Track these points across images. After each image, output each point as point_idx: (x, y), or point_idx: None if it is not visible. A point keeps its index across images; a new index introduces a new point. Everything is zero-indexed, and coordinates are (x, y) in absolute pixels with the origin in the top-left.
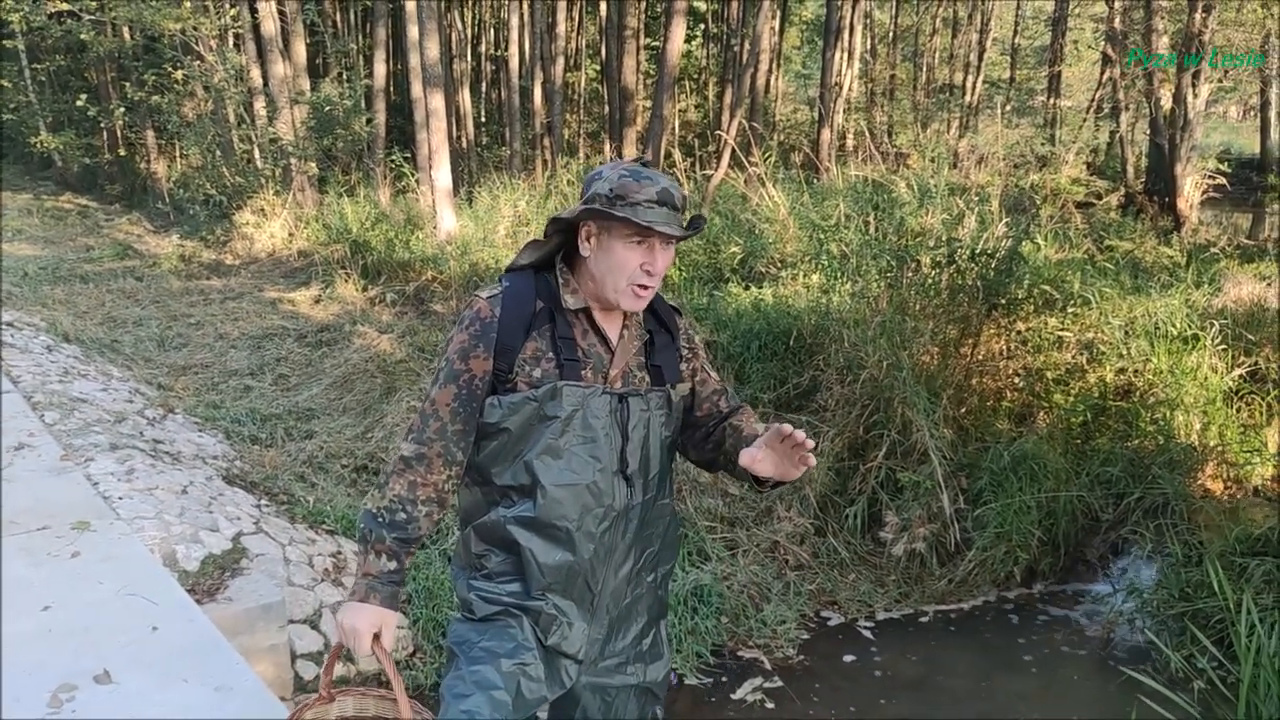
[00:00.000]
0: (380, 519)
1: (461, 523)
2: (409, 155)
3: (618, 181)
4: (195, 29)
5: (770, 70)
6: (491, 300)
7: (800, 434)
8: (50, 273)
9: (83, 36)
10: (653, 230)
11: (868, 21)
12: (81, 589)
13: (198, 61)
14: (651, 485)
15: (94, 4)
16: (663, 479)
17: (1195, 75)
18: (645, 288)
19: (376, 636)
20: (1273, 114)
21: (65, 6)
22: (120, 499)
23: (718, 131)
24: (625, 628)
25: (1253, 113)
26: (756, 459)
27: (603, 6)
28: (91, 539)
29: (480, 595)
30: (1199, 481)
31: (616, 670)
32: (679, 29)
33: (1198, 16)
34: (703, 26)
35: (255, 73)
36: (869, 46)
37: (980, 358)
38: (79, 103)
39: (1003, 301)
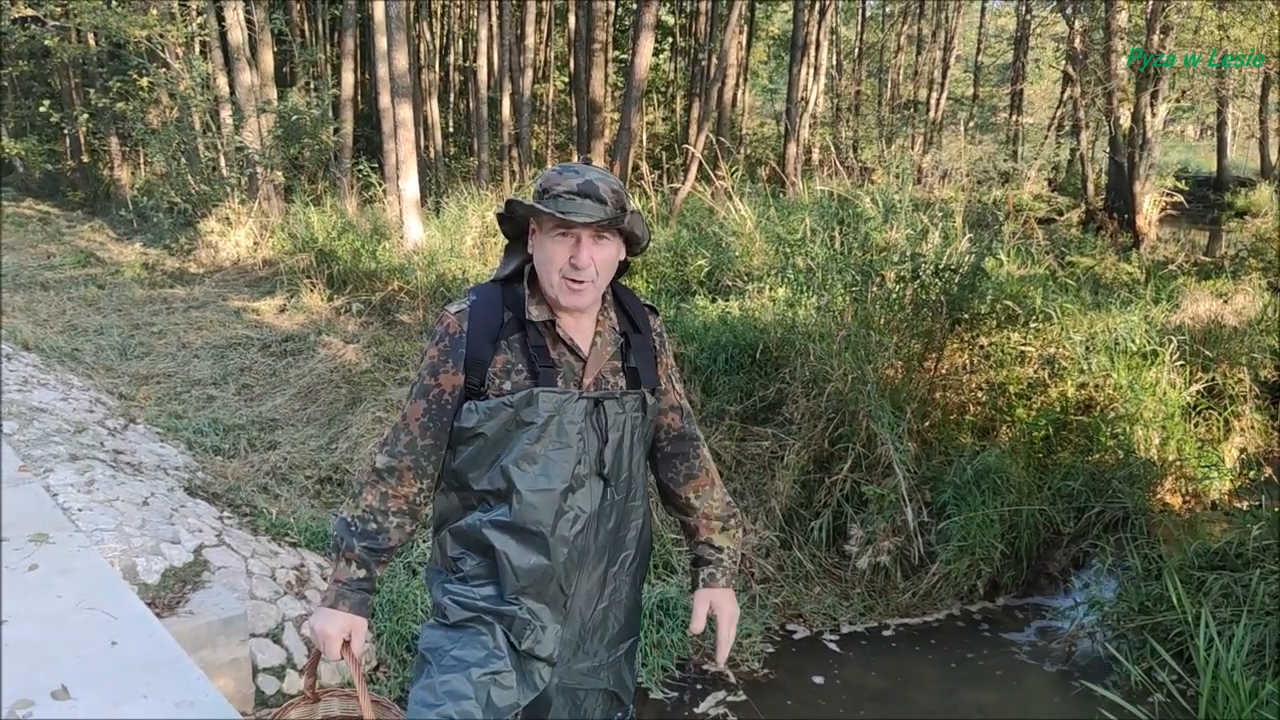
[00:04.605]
0: (353, 528)
1: (436, 527)
2: (376, 165)
3: (545, 176)
4: (161, 36)
5: (737, 84)
6: (459, 315)
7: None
8: (10, 280)
9: (47, 42)
10: (570, 221)
11: (834, 38)
12: (39, 602)
13: (164, 69)
14: (623, 487)
15: (59, 10)
16: (634, 482)
17: (1153, 95)
18: (576, 282)
19: (346, 642)
20: (1228, 133)
21: (29, 12)
22: (80, 510)
23: (685, 145)
24: (600, 632)
25: (1210, 132)
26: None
27: (571, 19)
28: (50, 551)
29: (454, 599)
30: (1158, 496)
31: (589, 674)
32: (647, 43)
33: (1155, 38)
34: (671, 40)
35: (222, 81)
36: (835, 62)
37: (944, 372)
38: (42, 108)
39: (966, 316)
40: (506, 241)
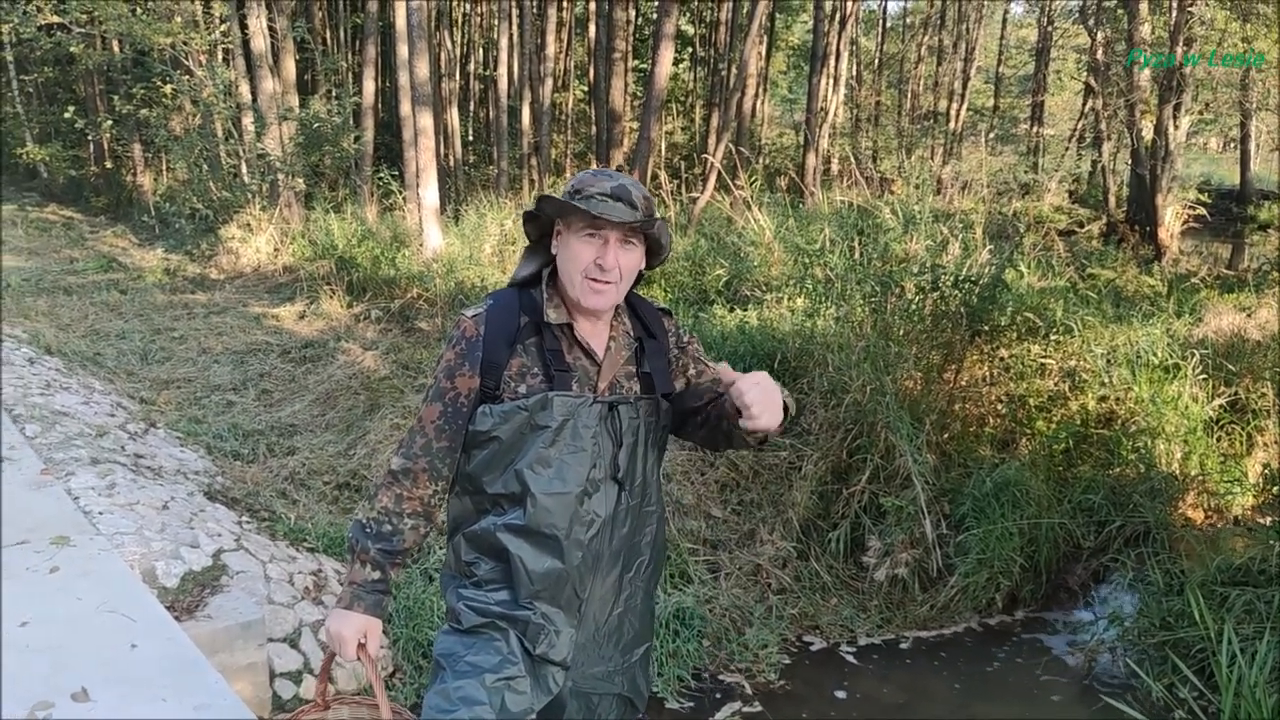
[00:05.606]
0: (368, 530)
1: (450, 531)
2: (396, 173)
3: (578, 178)
4: (185, 44)
5: (756, 94)
6: (476, 319)
7: (736, 388)
8: (33, 284)
9: (72, 49)
10: (603, 221)
11: (853, 48)
12: (60, 604)
13: (187, 76)
14: (637, 492)
15: (84, 17)
16: (648, 486)
17: (1176, 107)
18: (600, 282)
19: (362, 644)
20: (1252, 146)
21: (55, 19)
22: (101, 514)
23: (704, 154)
24: (615, 637)
25: (1233, 144)
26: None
27: (592, 29)
28: (71, 554)
29: (468, 605)
30: (1180, 510)
31: (603, 679)
32: (667, 52)
33: (1179, 50)
34: (690, 50)
35: (244, 88)
36: (854, 72)
37: (963, 384)
38: (66, 115)
39: (986, 328)
40: (527, 246)
